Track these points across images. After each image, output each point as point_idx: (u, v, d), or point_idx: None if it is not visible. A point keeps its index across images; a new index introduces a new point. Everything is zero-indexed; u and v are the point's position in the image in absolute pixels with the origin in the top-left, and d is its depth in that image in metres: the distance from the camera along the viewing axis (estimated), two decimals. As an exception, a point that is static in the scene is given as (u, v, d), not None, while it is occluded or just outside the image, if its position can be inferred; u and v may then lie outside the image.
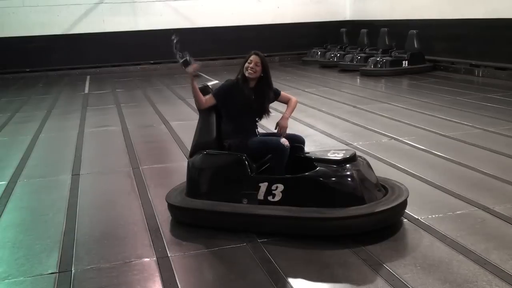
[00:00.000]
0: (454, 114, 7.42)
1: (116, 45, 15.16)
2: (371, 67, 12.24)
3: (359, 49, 14.10)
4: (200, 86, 4.06)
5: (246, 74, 4.03)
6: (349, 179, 3.66)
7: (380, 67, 12.11)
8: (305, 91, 10.24)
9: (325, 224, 3.51)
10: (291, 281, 3.03)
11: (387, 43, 13.13)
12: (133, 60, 15.58)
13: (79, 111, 9.06)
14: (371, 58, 12.44)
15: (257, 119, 4.11)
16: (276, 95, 4.21)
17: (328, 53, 14.71)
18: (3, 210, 4.42)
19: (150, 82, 12.95)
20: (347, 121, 7.31)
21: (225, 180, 3.86)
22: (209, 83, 4.17)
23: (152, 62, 15.66)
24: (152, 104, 9.52)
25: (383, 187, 3.88)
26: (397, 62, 12.18)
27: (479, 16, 11.25)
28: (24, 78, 14.48)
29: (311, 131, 6.83)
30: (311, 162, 3.80)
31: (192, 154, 4.06)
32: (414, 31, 12.52)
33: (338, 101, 8.95)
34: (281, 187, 3.65)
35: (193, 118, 7.99)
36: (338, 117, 7.53)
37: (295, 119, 7.58)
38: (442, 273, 3.02)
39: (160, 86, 12.07)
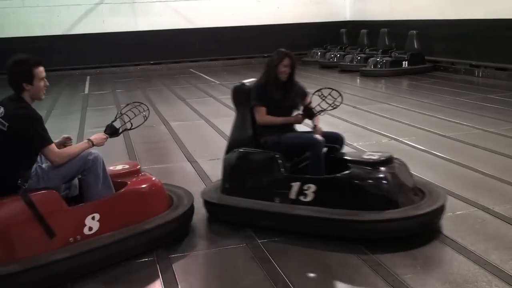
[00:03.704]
0: (454, 114, 7.42)
1: (116, 45, 15.17)
2: (371, 67, 12.24)
3: (359, 49, 14.11)
4: (238, 84, 4.08)
5: (282, 79, 3.95)
6: (383, 181, 3.55)
7: (380, 68, 12.11)
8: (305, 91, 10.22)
9: (357, 227, 3.42)
10: (291, 281, 3.03)
11: (387, 43, 13.14)
12: (133, 61, 15.59)
13: (79, 112, 9.07)
14: (371, 59, 12.44)
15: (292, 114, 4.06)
16: (304, 93, 4.14)
17: (328, 54, 14.72)
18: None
19: (150, 82, 12.95)
20: (347, 121, 7.31)
21: (258, 179, 3.86)
22: (245, 81, 4.09)
23: (152, 62, 15.67)
24: (152, 104, 9.51)
25: (421, 191, 3.76)
26: (397, 62, 12.18)
27: (479, 17, 11.25)
28: (24, 79, 14.46)
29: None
30: (345, 163, 3.72)
31: (228, 151, 4.05)
32: (414, 31, 12.54)
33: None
34: (313, 187, 3.61)
35: (193, 119, 8.02)
36: (338, 118, 7.53)
37: (295, 119, 7.59)
38: (442, 273, 3.02)
39: (160, 87, 12.07)
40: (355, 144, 5.99)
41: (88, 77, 14.24)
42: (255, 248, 3.46)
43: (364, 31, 14.49)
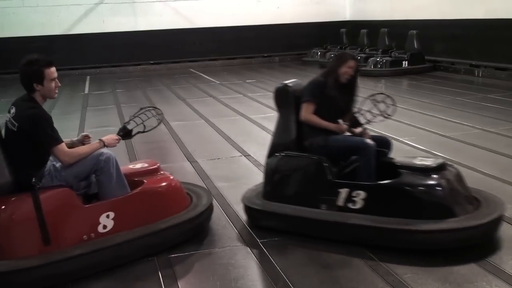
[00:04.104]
0: (454, 114, 7.42)
1: (116, 45, 15.17)
2: (371, 67, 12.24)
3: (359, 49, 14.10)
4: (281, 85, 3.91)
5: (343, 80, 3.80)
6: (438, 189, 3.37)
7: (380, 68, 12.11)
8: (305, 92, 10.22)
9: (410, 237, 3.25)
10: (291, 281, 3.03)
11: (387, 43, 13.14)
12: (133, 60, 15.59)
13: (79, 112, 9.06)
14: (371, 59, 12.44)
15: (339, 119, 3.88)
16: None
17: (328, 54, 14.70)
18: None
19: (150, 82, 12.95)
20: (347, 121, 7.30)
21: (303, 184, 3.72)
22: (288, 82, 3.95)
23: (152, 62, 15.67)
24: (152, 104, 9.51)
25: (475, 199, 3.56)
26: (397, 62, 12.18)
27: (479, 16, 11.25)
28: (24, 79, 14.47)
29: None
30: (395, 168, 3.56)
31: (270, 154, 3.91)
32: (414, 31, 12.53)
33: (338, 102, 8.94)
34: (362, 194, 3.43)
35: (193, 119, 8.02)
36: (338, 117, 7.53)
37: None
38: (442, 273, 3.02)
39: (160, 87, 12.07)
40: (355, 144, 5.98)
41: (88, 77, 14.24)
42: (255, 248, 3.46)
43: (364, 31, 14.49)
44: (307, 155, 3.74)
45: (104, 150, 3.41)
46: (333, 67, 3.83)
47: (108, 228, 3.30)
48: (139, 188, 3.50)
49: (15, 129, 3.18)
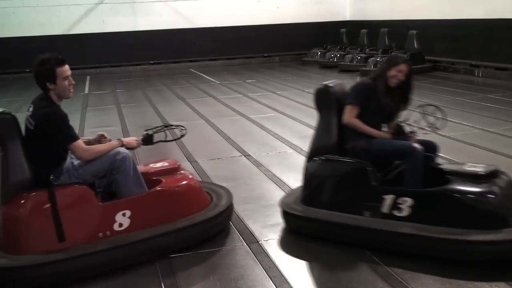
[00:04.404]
0: (454, 114, 7.41)
1: (116, 45, 15.17)
2: (371, 67, 12.21)
3: (359, 49, 14.11)
4: (321, 86, 3.78)
5: (391, 84, 3.60)
6: (490, 197, 3.18)
7: (380, 68, 12.09)
8: (305, 91, 10.22)
9: (461, 248, 3.06)
10: (291, 281, 3.03)
11: (387, 43, 13.14)
12: (133, 60, 15.59)
13: (79, 112, 9.06)
14: (371, 59, 12.43)
15: (384, 126, 3.71)
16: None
17: (328, 54, 14.72)
18: (3, 211, 4.42)
19: (150, 82, 12.95)
20: (347, 121, 7.29)
21: (345, 190, 3.56)
22: (329, 83, 3.80)
23: (152, 62, 15.67)
24: (152, 104, 9.52)
25: None
26: (397, 62, 12.15)
27: (479, 16, 11.25)
28: (24, 79, 14.40)
29: (311, 131, 6.78)
30: (443, 174, 3.41)
31: (310, 158, 3.75)
32: (414, 31, 12.53)
33: (338, 101, 8.94)
34: (409, 201, 3.26)
35: (193, 119, 8.01)
36: (338, 117, 7.53)
37: (295, 119, 7.59)
38: (442, 274, 3.02)
39: (160, 87, 12.07)
40: (355, 144, 5.98)
41: (88, 77, 14.23)
42: (255, 248, 3.46)
43: (364, 31, 14.49)
44: (350, 159, 3.57)
45: (121, 149, 3.43)
46: (382, 69, 3.66)
47: (124, 227, 3.33)
48: (156, 187, 3.52)
49: (32, 128, 3.25)
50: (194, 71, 14.91)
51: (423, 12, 13.05)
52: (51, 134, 3.23)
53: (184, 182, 3.66)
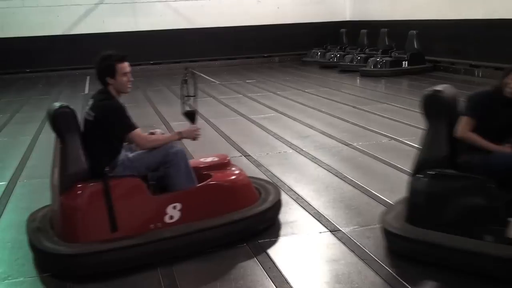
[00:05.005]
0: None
1: (116, 45, 14.98)
2: (371, 67, 12.25)
3: (359, 49, 14.11)
4: (431, 92, 3.44)
5: (506, 93, 3.28)
6: None
7: (380, 68, 12.11)
8: (305, 92, 10.24)
9: None
10: (291, 281, 3.03)
11: (387, 43, 13.15)
12: (133, 61, 15.35)
13: (79, 112, 9.00)
14: (371, 59, 12.45)
15: (504, 141, 3.32)
16: None
17: (328, 54, 14.73)
18: (3, 211, 4.43)
19: (150, 82, 12.95)
20: (347, 121, 7.31)
21: (462, 209, 3.09)
22: (439, 88, 3.48)
23: (152, 62, 15.67)
24: (152, 104, 9.52)
25: None
26: (397, 62, 12.18)
27: (479, 17, 11.25)
28: (24, 79, 14.49)
29: (311, 131, 6.83)
30: None
31: (416, 172, 3.34)
32: (414, 31, 12.54)
33: (338, 102, 8.96)
34: None
35: (193, 119, 8.01)
36: (338, 118, 7.53)
37: (295, 119, 7.60)
38: (442, 274, 3.02)
39: (160, 87, 12.08)
40: (354, 144, 5.99)
41: (88, 77, 14.21)
42: (255, 248, 3.46)
43: (364, 31, 14.49)
44: (468, 175, 3.14)
45: (176, 144, 3.57)
46: (500, 78, 3.34)
47: (175, 219, 3.41)
48: (206, 182, 3.59)
49: (92, 119, 3.39)
50: (194, 71, 14.87)
51: (423, 12, 13.06)
52: (110, 124, 3.36)
53: (234, 177, 3.74)
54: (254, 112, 8.25)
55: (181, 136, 3.60)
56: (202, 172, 3.71)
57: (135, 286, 3.12)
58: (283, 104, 8.95)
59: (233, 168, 3.87)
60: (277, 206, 3.81)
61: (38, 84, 13.55)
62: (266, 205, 3.69)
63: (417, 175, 3.33)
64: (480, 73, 11.25)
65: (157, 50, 15.53)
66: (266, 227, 3.71)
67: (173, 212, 3.40)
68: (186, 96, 3.72)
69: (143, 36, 15.33)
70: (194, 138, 3.65)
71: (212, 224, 3.43)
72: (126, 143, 3.55)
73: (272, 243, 3.54)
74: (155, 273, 3.20)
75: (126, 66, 3.47)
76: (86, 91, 11.94)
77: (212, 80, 12.74)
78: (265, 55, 16.52)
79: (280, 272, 3.14)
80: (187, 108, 3.72)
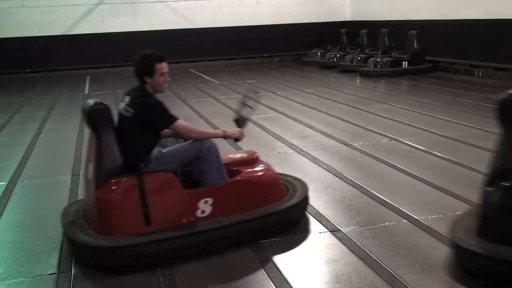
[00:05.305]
0: (454, 114, 7.42)
1: (116, 45, 15.16)
2: (371, 67, 12.25)
3: (359, 49, 14.11)
4: (507, 96, 3.21)
5: None
6: None
7: (380, 68, 12.12)
8: (305, 92, 10.24)
9: None
10: (291, 281, 3.03)
11: (387, 43, 13.15)
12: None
13: (79, 112, 9.06)
14: (371, 59, 12.44)
15: None
16: None
17: (328, 54, 14.73)
18: (3, 211, 4.42)
19: (150, 82, 12.93)
20: (347, 121, 7.31)
21: None
22: None
23: (152, 62, 15.65)
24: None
25: None
26: (397, 62, 12.18)
27: (479, 17, 11.26)
28: (24, 79, 14.49)
29: (310, 131, 6.83)
30: None
31: (490, 182, 3.07)
32: (414, 31, 12.54)
33: (337, 102, 8.96)
34: None
35: (193, 119, 8.01)
36: (338, 118, 7.53)
37: (295, 119, 7.60)
38: (442, 274, 3.02)
39: (160, 87, 12.05)
40: (354, 144, 5.99)
41: (88, 77, 14.24)
42: (255, 249, 3.46)
43: (364, 31, 14.49)
44: None
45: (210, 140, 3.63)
46: None
47: (206, 213, 3.46)
48: (237, 177, 3.65)
49: (130, 115, 3.46)
50: (194, 71, 14.91)
51: (422, 13, 13.06)
52: (151, 119, 3.44)
53: (263, 173, 3.79)
54: (254, 112, 8.22)
55: (225, 135, 3.72)
56: (232, 167, 3.78)
57: (135, 286, 3.12)
58: (283, 104, 8.95)
59: (262, 164, 3.94)
60: (304, 201, 3.87)
61: (38, 84, 13.55)
62: (294, 200, 3.75)
63: (490, 186, 3.07)
64: (480, 73, 11.25)
65: (157, 50, 15.51)
66: (295, 222, 3.77)
67: (205, 206, 3.46)
68: (244, 105, 3.92)
69: (143, 36, 15.31)
70: (237, 140, 3.81)
71: (244, 218, 3.49)
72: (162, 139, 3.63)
73: (272, 243, 3.54)
74: (155, 273, 3.20)
75: (164, 66, 3.55)
76: (86, 91, 11.94)
77: (212, 80, 12.74)
78: (265, 55, 16.53)
79: (280, 272, 3.14)
80: (240, 114, 3.88)
